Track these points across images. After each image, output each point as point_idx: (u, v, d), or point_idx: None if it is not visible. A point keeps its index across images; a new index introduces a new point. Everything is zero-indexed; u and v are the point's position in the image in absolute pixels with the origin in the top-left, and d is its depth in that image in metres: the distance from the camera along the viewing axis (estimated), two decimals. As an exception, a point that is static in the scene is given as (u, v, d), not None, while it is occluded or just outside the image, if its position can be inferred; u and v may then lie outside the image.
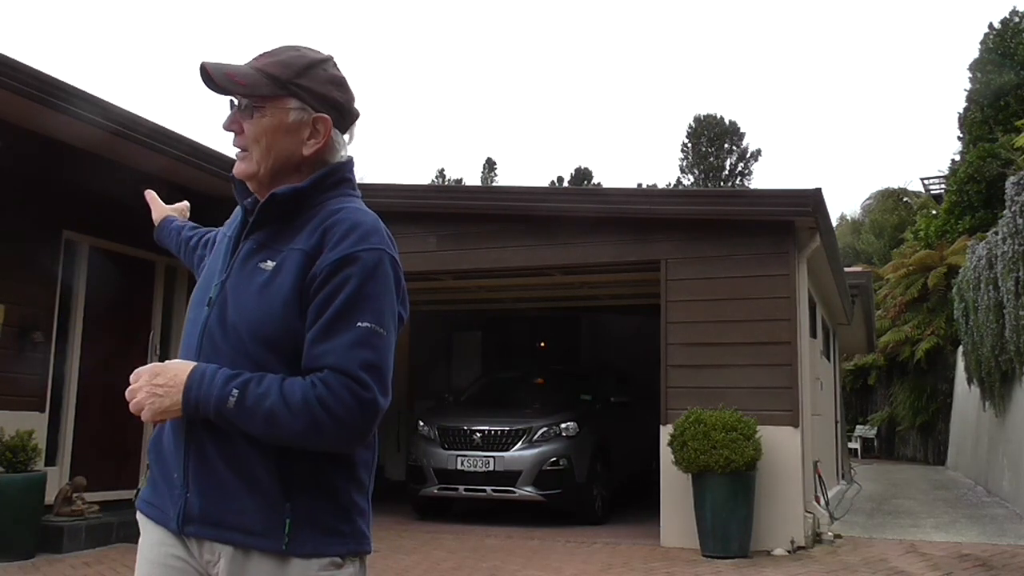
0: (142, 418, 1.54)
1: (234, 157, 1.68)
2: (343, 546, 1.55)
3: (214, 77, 1.60)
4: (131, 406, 1.54)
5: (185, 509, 1.55)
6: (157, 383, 1.51)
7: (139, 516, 1.67)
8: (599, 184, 50.30)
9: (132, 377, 1.55)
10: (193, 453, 1.55)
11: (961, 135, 28.67)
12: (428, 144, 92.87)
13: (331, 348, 1.47)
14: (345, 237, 1.53)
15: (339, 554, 1.55)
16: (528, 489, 8.77)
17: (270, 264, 1.57)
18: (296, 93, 1.62)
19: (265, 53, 1.67)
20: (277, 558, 1.51)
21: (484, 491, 8.94)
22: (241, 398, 1.46)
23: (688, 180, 52.46)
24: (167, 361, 1.56)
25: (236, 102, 1.64)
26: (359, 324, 1.49)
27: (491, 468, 8.84)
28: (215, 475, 1.53)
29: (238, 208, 1.75)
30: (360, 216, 1.59)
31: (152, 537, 1.62)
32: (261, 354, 1.52)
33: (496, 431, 9.00)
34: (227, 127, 1.66)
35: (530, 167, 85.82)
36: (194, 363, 1.53)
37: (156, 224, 2.25)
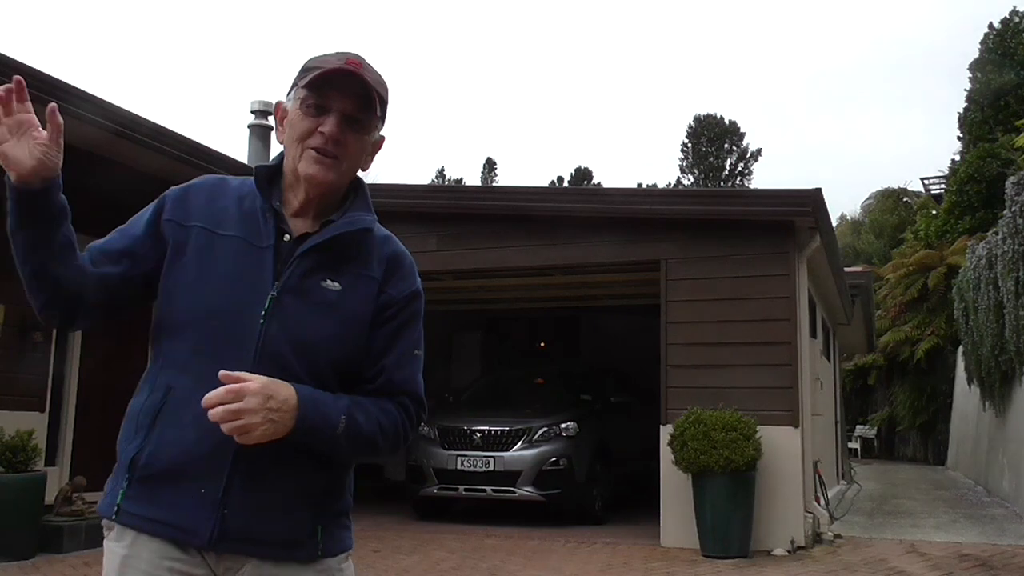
0: (242, 441, 1.43)
1: (315, 157, 1.58)
2: (351, 539, 1.67)
3: (375, 96, 1.61)
4: (232, 428, 1.41)
5: (222, 527, 1.49)
6: (272, 407, 1.43)
7: (120, 528, 1.54)
8: (599, 184, 50.30)
9: (232, 395, 1.41)
10: (243, 470, 1.49)
11: (961, 135, 28.69)
12: (428, 144, 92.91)
13: (408, 376, 1.65)
14: (410, 272, 1.70)
15: (351, 546, 1.66)
16: (528, 489, 8.76)
17: (334, 285, 1.59)
18: (385, 116, 1.68)
19: (359, 61, 1.61)
20: (309, 562, 1.57)
21: (484, 491, 8.94)
22: (349, 425, 1.52)
23: (688, 180, 52.45)
24: (265, 381, 1.45)
25: (353, 116, 1.60)
26: (416, 352, 1.68)
27: (491, 468, 8.84)
28: (265, 492, 1.51)
29: (249, 201, 1.63)
30: (405, 248, 1.73)
31: (147, 549, 1.51)
32: (328, 373, 1.57)
33: (496, 431, 9.00)
34: (336, 136, 1.58)
35: (530, 167, 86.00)
36: (291, 384, 1.48)
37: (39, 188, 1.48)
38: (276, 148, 2.05)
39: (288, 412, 1.45)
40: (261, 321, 1.53)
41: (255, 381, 1.43)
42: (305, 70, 1.61)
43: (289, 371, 1.51)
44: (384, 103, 1.64)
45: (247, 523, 1.51)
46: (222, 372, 1.43)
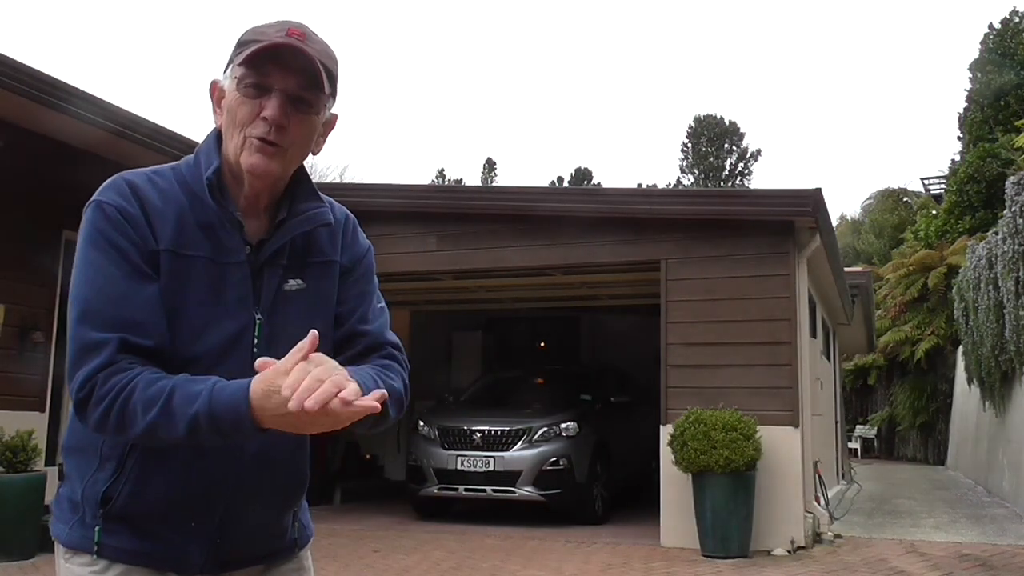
0: (347, 406, 1.18)
1: (259, 146, 1.41)
2: (311, 523, 1.68)
3: (320, 71, 1.41)
4: (341, 400, 1.18)
5: (215, 554, 1.46)
6: (333, 366, 1.24)
7: (107, 564, 1.43)
8: (599, 184, 50.30)
9: (314, 378, 1.18)
10: (236, 500, 1.44)
11: (961, 135, 28.72)
12: (428, 144, 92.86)
13: (385, 327, 1.59)
14: (356, 229, 1.61)
15: (313, 531, 1.69)
16: (528, 489, 8.76)
17: (298, 283, 1.48)
18: (335, 92, 1.49)
19: (301, 31, 1.42)
20: (291, 559, 1.61)
21: (484, 491, 8.94)
22: (387, 388, 1.40)
23: (688, 180, 52.47)
24: (294, 355, 1.23)
25: (298, 96, 1.42)
26: (381, 305, 1.62)
27: (491, 468, 8.84)
28: (255, 517, 1.50)
29: (199, 209, 1.42)
30: (342, 206, 1.62)
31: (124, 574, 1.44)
32: None
33: (496, 431, 9.00)
34: (279, 121, 1.40)
35: (530, 167, 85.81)
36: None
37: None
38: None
39: (342, 370, 1.25)
40: (255, 350, 1.40)
41: (290, 357, 1.23)
42: (241, 44, 1.42)
43: None
44: (333, 77, 1.45)
45: (238, 546, 1.49)
46: (259, 360, 1.24)
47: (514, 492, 8.81)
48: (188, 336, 1.38)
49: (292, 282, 1.48)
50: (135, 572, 1.44)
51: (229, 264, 1.42)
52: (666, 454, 7.51)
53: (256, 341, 1.42)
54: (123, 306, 1.33)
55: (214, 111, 1.50)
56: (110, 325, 1.31)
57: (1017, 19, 26.83)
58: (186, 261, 1.39)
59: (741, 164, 53.20)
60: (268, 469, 1.47)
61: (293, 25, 1.43)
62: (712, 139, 53.21)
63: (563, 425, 9.02)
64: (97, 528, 1.42)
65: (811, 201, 7.55)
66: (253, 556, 1.53)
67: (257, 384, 1.23)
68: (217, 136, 1.49)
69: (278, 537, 1.57)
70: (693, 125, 53.93)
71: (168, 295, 1.36)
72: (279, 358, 1.28)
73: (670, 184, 50.54)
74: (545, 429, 8.96)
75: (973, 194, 21.81)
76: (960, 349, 16.81)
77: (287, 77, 1.40)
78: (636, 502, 10.05)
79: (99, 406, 1.29)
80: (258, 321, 1.43)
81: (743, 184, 51.24)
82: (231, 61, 1.44)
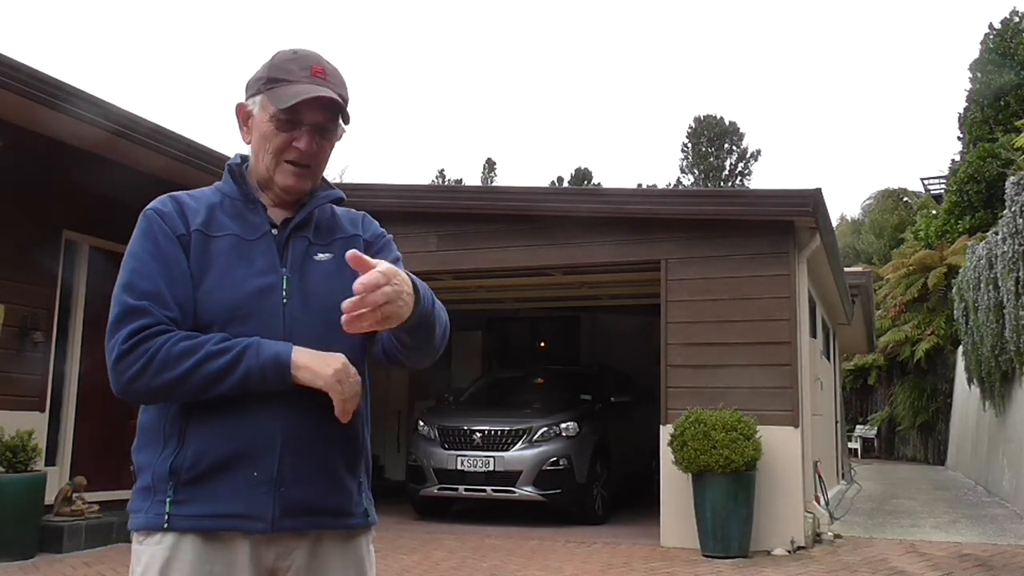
0: (394, 323, 1.46)
1: (293, 170, 1.65)
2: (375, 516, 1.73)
3: (345, 113, 1.67)
4: (392, 309, 1.44)
5: (282, 505, 1.53)
6: (405, 282, 1.49)
7: (162, 534, 1.53)
8: (599, 184, 50.28)
9: (373, 282, 1.40)
10: (291, 446, 1.55)
11: (961, 135, 28.71)
12: (428, 144, 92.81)
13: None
14: (370, 222, 1.84)
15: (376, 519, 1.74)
16: (528, 489, 8.76)
17: (326, 255, 1.68)
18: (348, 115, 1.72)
19: (323, 69, 1.66)
20: (355, 535, 1.66)
21: (484, 491, 8.94)
22: (435, 301, 1.68)
23: (688, 180, 52.46)
24: (385, 264, 1.46)
25: (323, 127, 1.66)
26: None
27: (491, 468, 8.84)
28: (313, 463, 1.57)
29: (228, 202, 1.67)
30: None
31: (189, 552, 1.51)
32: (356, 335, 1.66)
33: (496, 431, 9.00)
34: (311, 150, 1.65)
35: (530, 167, 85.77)
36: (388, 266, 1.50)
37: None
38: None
39: (410, 288, 1.51)
40: (284, 301, 1.60)
41: (381, 264, 1.44)
42: (271, 81, 1.64)
43: (323, 340, 1.57)
44: (347, 103, 1.69)
45: (303, 496, 1.55)
46: (350, 252, 1.44)
47: (514, 492, 8.81)
48: (222, 293, 1.58)
49: (321, 255, 1.68)
50: (203, 543, 1.52)
51: (256, 239, 1.64)
52: (666, 454, 7.51)
53: (285, 294, 1.61)
54: (151, 282, 1.55)
55: (241, 129, 1.72)
56: (142, 295, 1.54)
57: (1017, 19, 26.83)
58: (215, 240, 1.62)
59: (741, 164, 53.18)
60: (315, 423, 1.56)
61: (314, 62, 1.66)
62: (712, 139, 53.20)
63: (563, 425, 9.02)
64: (168, 500, 1.53)
65: (811, 201, 7.55)
66: (322, 508, 1.58)
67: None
68: (241, 158, 1.74)
69: (345, 495, 1.63)
70: (693, 125, 53.91)
71: (199, 265, 1.59)
72: (316, 310, 1.59)
73: (670, 184, 50.53)
74: (545, 429, 8.96)
75: (973, 194, 21.80)
76: (960, 349, 16.81)
77: (315, 114, 1.64)
78: (636, 502, 10.05)
79: (143, 356, 1.50)
80: (285, 277, 1.62)
81: (743, 184, 51.23)
82: (259, 91, 1.66)
